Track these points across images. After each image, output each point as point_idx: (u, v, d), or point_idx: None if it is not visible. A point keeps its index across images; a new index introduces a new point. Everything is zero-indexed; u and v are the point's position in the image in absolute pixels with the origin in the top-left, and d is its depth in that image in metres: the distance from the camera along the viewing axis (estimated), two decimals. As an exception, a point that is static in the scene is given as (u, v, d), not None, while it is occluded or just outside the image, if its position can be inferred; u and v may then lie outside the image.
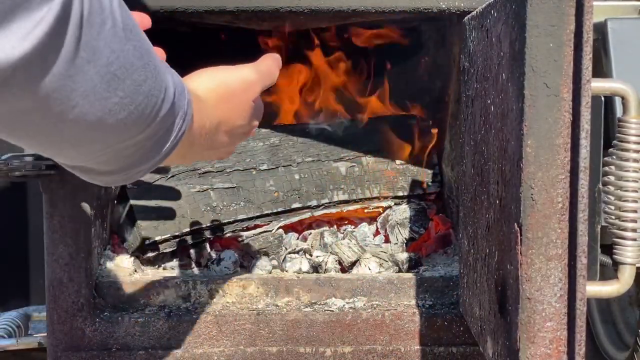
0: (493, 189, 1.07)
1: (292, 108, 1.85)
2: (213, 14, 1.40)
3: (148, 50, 0.63)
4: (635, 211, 0.98)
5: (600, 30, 1.53)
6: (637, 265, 0.99)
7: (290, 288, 1.47)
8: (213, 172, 1.61)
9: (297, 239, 1.66)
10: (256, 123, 0.97)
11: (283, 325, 1.43)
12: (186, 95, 0.72)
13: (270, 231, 1.63)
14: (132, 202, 1.54)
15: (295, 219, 1.67)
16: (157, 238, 1.55)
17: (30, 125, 0.56)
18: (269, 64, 0.95)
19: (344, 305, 1.45)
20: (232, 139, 0.92)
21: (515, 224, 0.94)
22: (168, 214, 1.56)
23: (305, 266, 1.55)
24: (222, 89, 0.86)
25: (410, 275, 1.49)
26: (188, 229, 1.57)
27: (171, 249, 1.58)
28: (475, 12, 1.22)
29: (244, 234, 1.62)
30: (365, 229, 1.71)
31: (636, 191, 0.98)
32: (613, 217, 0.99)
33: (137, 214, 1.54)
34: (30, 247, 2.25)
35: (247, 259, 1.60)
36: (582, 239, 0.90)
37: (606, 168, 1.00)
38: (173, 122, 0.69)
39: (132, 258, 1.55)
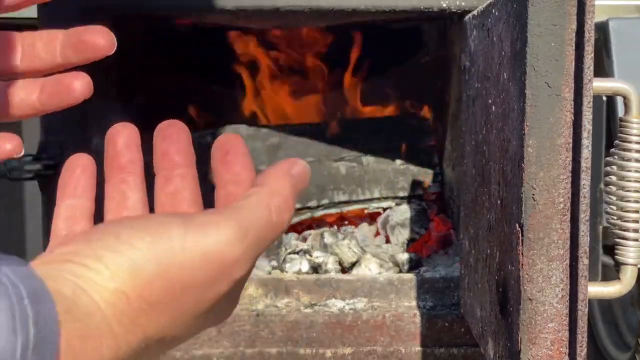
0: (494, 189, 1.06)
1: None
2: (213, 14, 1.39)
3: None
4: (637, 211, 0.98)
5: (602, 29, 1.52)
6: (639, 265, 0.99)
7: (290, 289, 1.47)
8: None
9: (297, 239, 1.66)
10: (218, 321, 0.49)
11: (283, 327, 1.43)
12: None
13: (270, 231, 1.63)
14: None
15: (295, 220, 1.66)
16: (157, 238, 1.54)
17: None
18: (274, 204, 0.45)
19: (344, 306, 1.45)
20: (170, 346, 0.46)
21: (517, 224, 0.94)
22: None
23: (305, 267, 1.54)
24: (158, 289, 0.41)
25: (410, 276, 1.49)
26: (188, 230, 1.57)
27: (171, 250, 1.57)
28: (476, 11, 1.22)
29: (244, 234, 1.62)
30: (366, 229, 1.71)
31: (638, 191, 0.97)
32: (615, 217, 0.99)
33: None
34: (29, 247, 2.25)
35: (247, 259, 1.59)
36: (584, 240, 0.89)
37: (608, 168, 1.00)
38: None
39: (132, 259, 1.55)
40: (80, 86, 0.54)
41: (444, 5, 1.37)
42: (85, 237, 0.43)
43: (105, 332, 0.39)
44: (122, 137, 0.51)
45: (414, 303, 1.46)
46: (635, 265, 0.98)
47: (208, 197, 0.52)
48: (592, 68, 0.88)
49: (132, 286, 0.40)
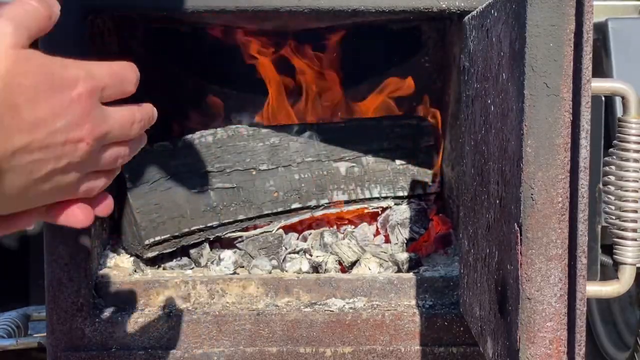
0: (493, 188, 1.07)
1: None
2: (213, 14, 1.40)
3: None
4: (636, 211, 0.98)
5: (601, 30, 1.53)
6: (638, 265, 0.99)
7: (290, 288, 1.47)
8: (213, 172, 1.61)
9: (297, 239, 1.66)
10: (75, 70, 0.62)
11: (283, 326, 1.43)
12: None
13: (270, 231, 1.63)
14: (132, 202, 1.54)
15: (295, 219, 1.67)
16: (157, 238, 1.55)
17: None
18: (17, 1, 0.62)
19: (344, 305, 1.45)
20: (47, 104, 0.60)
21: (516, 223, 0.94)
22: (168, 214, 1.56)
23: (305, 266, 1.55)
24: None
25: (410, 275, 1.49)
26: (188, 229, 1.57)
27: (171, 249, 1.58)
28: (475, 11, 1.22)
29: (244, 234, 1.62)
30: (366, 229, 1.71)
31: (636, 191, 0.98)
32: (613, 217, 0.99)
33: (137, 214, 1.54)
34: (30, 247, 2.25)
35: (247, 259, 1.60)
36: (582, 239, 0.90)
37: (606, 168, 1.00)
38: None
39: (132, 258, 1.55)
40: (82, 216, 0.69)
41: (444, 5, 1.37)
42: None
43: None
44: None
45: (413, 302, 1.47)
46: (634, 264, 0.99)
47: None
48: (590, 68, 0.88)
49: None
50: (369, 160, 1.71)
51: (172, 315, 1.43)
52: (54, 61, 0.60)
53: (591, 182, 0.93)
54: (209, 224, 1.59)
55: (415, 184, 1.73)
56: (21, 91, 0.57)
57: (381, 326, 1.43)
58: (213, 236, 1.61)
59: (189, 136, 1.62)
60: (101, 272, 1.49)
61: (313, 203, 1.66)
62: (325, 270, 1.53)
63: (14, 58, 0.58)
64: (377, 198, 1.71)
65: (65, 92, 0.60)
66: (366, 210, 1.73)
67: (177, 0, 1.36)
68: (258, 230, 1.63)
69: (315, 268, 1.55)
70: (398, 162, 1.73)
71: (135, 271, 1.52)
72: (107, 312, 1.43)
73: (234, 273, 1.55)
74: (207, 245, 1.61)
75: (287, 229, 1.68)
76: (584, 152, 0.89)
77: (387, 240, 1.68)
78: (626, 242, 0.98)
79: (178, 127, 1.80)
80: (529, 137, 0.91)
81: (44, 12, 0.62)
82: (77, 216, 0.68)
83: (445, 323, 1.44)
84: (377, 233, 1.71)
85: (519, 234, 0.93)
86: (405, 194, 1.72)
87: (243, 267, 1.58)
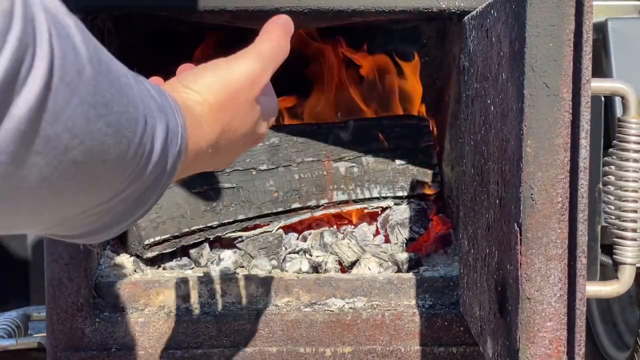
0: (493, 188, 1.07)
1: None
2: (213, 14, 1.40)
3: (129, 119, 0.50)
4: (635, 211, 0.98)
5: (601, 30, 1.53)
6: (637, 265, 0.99)
7: (290, 288, 1.47)
8: (213, 172, 1.61)
9: (297, 239, 1.66)
10: (265, 128, 0.79)
11: (283, 326, 1.43)
12: (179, 133, 0.59)
13: (270, 231, 1.63)
14: (132, 202, 1.54)
15: (295, 219, 1.67)
16: (157, 238, 1.55)
17: None
18: (274, 41, 0.74)
19: (343, 305, 1.45)
20: (235, 151, 0.77)
21: (515, 223, 0.94)
22: (168, 214, 1.56)
23: (305, 266, 1.55)
24: (223, 96, 0.69)
25: (410, 275, 1.49)
26: (188, 229, 1.57)
27: (171, 249, 1.58)
28: (475, 11, 1.22)
29: (244, 234, 1.62)
30: (365, 229, 1.71)
31: (636, 191, 0.98)
32: (613, 217, 0.99)
33: (137, 214, 1.54)
34: (30, 247, 2.25)
35: (247, 259, 1.60)
36: (582, 239, 0.90)
37: (606, 168, 1.00)
38: (161, 174, 0.57)
39: (132, 258, 1.55)
40: None
41: (443, 5, 1.37)
42: (183, 74, 0.70)
43: (202, 125, 0.66)
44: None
45: (413, 302, 1.47)
46: (634, 264, 0.99)
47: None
48: (590, 68, 0.88)
49: (211, 100, 0.68)
50: (368, 160, 1.71)
51: (172, 315, 1.43)
52: (258, 120, 0.76)
53: (591, 182, 0.93)
54: (209, 224, 1.59)
55: (415, 184, 1.73)
56: (241, 134, 0.73)
57: (381, 326, 1.44)
58: (213, 236, 1.61)
59: (189, 136, 1.62)
60: (101, 272, 1.49)
61: (313, 203, 1.66)
62: (325, 270, 1.53)
63: (254, 110, 0.73)
64: (377, 198, 1.71)
65: (255, 143, 0.80)
66: (366, 210, 1.73)
67: (177, 0, 1.36)
68: (258, 230, 1.63)
69: (315, 268, 1.55)
70: (398, 162, 1.73)
71: (135, 271, 1.52)
72: (107, 312, 1.43)
73: (234, 273, 1.55)
74: (207, 245, 1.61)
75: (287, 229, 1.68)
76: (584, 152, 0.89)
77: (387, 240, 1.68)
78: (626, 242, 0.98)
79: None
80: (528, 137, 0.91)
81: (285, 54, 0.75)
82: None
83: (445, 323, 1.44)
84: (377, 233, 1.71)
85: (518, 234, 0.93)
86: (405, 194, 1.72)
87: (243, 267, 1.58)
